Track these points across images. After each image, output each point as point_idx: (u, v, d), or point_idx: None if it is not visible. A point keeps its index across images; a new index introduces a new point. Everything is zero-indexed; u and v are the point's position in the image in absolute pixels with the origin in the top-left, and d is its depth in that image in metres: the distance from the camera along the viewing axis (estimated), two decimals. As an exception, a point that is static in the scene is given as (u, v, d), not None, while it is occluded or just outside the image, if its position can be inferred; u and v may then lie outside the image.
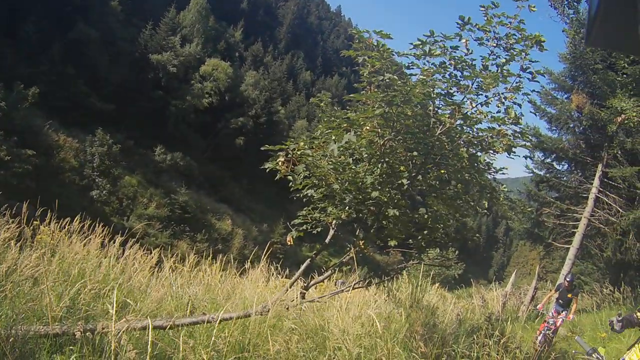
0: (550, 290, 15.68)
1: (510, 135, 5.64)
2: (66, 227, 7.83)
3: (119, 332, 4.27)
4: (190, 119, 71.95)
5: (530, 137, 5.74)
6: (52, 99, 53.90)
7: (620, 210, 19.80)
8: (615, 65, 19.05)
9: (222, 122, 76.09)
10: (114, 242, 8.15)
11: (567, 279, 13.44)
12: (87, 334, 4.43)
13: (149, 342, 4.05)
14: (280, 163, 6.00)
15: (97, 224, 8.33)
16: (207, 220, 61.61)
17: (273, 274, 9.53)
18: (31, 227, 7.51)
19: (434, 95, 5.40)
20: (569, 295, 13.31)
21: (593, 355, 5.50)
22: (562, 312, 13.40)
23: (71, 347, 4.35)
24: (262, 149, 6.19)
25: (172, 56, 70.59)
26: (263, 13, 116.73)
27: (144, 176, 60.32)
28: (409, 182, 5.82)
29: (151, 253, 8.84)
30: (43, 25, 58.56)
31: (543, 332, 12.87)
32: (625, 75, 18.65)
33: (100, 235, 8.09)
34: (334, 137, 5.64)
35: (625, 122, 18.25)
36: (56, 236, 7.49)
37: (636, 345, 5.65)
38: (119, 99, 62.07)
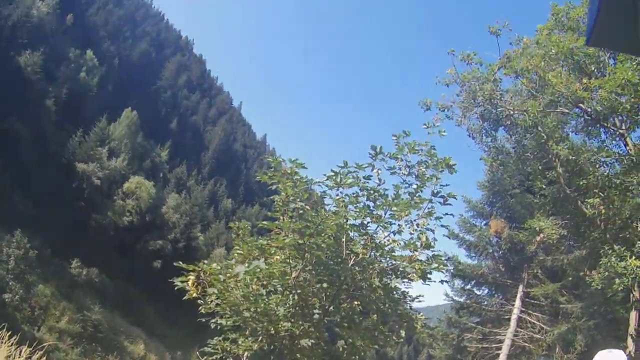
0: None
1: (423, 261, 5.67)
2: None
3: None
4: (109, 236, 70.20)
5: (443, 259, 5.77)
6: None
7: (544, 327, 20.06)
8: (533, 187, 19.94)
9: (140, 242, 74.51)
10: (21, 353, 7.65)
11: None
12: None
13: None
14: (190, 283, 5.77)
15: (6, 330, 7.81)
16: (120, 342, 58.68)
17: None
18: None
19: (347, 226, 5.41)
20: None
21: None
22: None
23: None
24: (174, 264, 6.01)
25: (98, 168, 69.74)
26: (191, 136, 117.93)
27: (58, 288, 57.65)
28: (320, 313, 5.71)
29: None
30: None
31: None
32: (542, 197, 19.50)
33: (9, 345, 7.57)
34: (240, 260, 5.55)
35: (545, 240, 18.86)
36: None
37: None
38: (42, 202, 60.33)
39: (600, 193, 15.30)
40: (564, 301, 20.03)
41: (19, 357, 7.46)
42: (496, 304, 22.58)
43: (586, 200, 15.50)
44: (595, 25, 1.30)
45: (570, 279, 19.81)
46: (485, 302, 23.17)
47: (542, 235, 18.87)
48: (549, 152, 15.61)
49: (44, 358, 8.19)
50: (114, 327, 60.08)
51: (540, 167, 17.51)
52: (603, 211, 15.54)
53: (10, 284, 49.10)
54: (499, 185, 21.23)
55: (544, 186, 19.07)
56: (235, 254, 5.92)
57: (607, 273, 14.57)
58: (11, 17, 66.93)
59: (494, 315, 22.29)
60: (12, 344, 7.70)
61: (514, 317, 20.87)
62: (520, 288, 20.98)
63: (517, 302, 20.91)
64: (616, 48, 1.92)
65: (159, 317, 72.67)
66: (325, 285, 5.59)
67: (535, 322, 20.52)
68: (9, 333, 7.88)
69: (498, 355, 21.02)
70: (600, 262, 14.79)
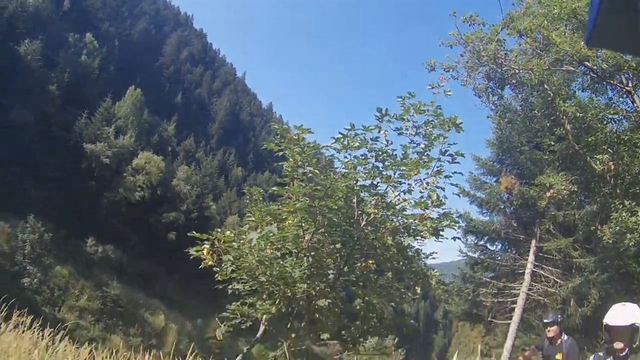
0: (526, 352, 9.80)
1: (435, 219, 5.71)
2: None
3: None
4: (122, 212, 70.46)
5: (454, 216, 5.81)
6: (-16, 182, 52.37)
7: (558, 281, 20.16)
8: (542, 144, 19.84)
9: (153, 216, 74.77)
10: (43, 335, 7.76)
11: (559, 319, 8.27)
12: None
13: None
14: (205, 252, 5.84)
15: (28, 314, 7.93)
16: (140, 314, 59.30)
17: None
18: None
19: (357, 188, 5.45)
20: (559, 357, 8.24)
21: None
22: None
23: None
24: (188, 234, 6.06)
25: (106, 147, 69.73)
26: (196, 108, 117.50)
27: (76, 267, 58.15)
28: (335, 274, 5.79)
29: (83, 346, 8.42)
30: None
31: None
32: (551, 153, 19.42)
33: (31, 327, 7.69)
34: (253, 227, 5.62)
35: (555, 195, 18.89)
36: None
37: None
38: (53, 186, 60.66)
39: (609, 149, 15.25)
40: (576, 255, 20.08)
41: (42, 340, 7.57)
42: (510, 259, 22.63)
43: (595, 156, 15.47)
44: (595, 25, 1.30)
45: (582, 233, 19.89)
46: (499, 257, 23.23)
47: (552, 191, 18.85)
48: (556, 110, 15.49)
49: (67, 337, 8.33)
50: (134, 301, 60.59)
51: (548, 124, 17.45)
52: (612, 167, 15.51)
53: (28, 268, 49.57)
54: (507, 143, 21.14)
55: (552, 143, 18.99)
56: (248, 221, 5.97)
57: (618, 228, 14.58)
58: (7, 9, 66.42)
59: (508, 270, 22.37)
60: (34, 327, 7.83)
61: (527, 271, 20.96)
62: (533, 243, 21.02)
63: (531, 257, 20.97)
64: (616, 48, 1.92)
65: (177, 288, 73.28)
66: (338, 246, 5.65)
67: (549, 276, 20.60)
68: (31, 317, 8.02)
69: (514, 309, 21.18)
70: (611, 217, 14.81)
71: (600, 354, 5.55)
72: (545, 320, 8.40)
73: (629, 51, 1.51)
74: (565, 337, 8.30)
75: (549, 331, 8.24)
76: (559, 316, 8.28)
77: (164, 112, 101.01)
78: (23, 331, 7.52)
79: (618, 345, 5.10)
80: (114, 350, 8.85)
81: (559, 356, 8.12)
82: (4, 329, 7.26)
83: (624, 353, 5.11)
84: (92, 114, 72.56)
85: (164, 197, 76.74)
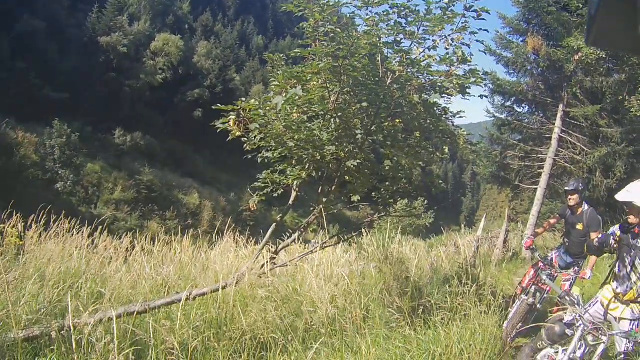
0: (552, 219, 9.74)
1: (461, 76, 5.61)
2: (33, 225, 7.60)
3: (91, 325, 4.20)
4: (146, 97, 70.70)
5: (480, 74, 5.67)
6: (5, 96, 52.39)
7: (585, 149, 20.05)
8: (570, 5, 19.11)
9: (178, 96, 74.97)
10: (82, 233, 8.00)
11: (580, 187, 8.25)
12: (62, 332, 4.36)
13: (129, 330, 3.94)
14: (232, 122, 5.84)
15: (64, 217, 8.15)
16: (174, 196, 60.91)
17: (244, 242, 9.42)
18: (-1, 232, 7.30)
19: (381, 45, 5.32)
20: (580, 227, 8.32)
21: (567, 297, 5.48)
22: (571, 265, 8.63)
23: (52, 348, 4.27)
24: (213, 107, 6.02)
25: (122, 36, 68.96)
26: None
27: (106, 161, 59.33)
28: (362, 134, 5.78)
29: (121, 238, 8.71)
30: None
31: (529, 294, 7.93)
32: (579, 16, 18.73)
33: (69, 228, 7.93)
34: (277, 92, 5.58)
35: (583, 59, 18.46)
36: (25, 236, 7.32)
37: (607, 282, 5.65)
38: (72, 87, 60.74)
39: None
40: (604, 125, 19.80)
41: (81, 239, 7.78)
42: (537, 122, 22.36)
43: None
44: (594, 24, 1.26)
45: (609, 102, 19.52)
46: (526, 120, 22.92)
47: (580, 54, 18.43)
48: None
49: (106, 231, 8.57)
50: (167, 184, 62.16)
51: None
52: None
53: (60, 172, 50.68)
54: (534, 2, 20.35)
55: (580, 5, 18.26)
56: (273, 86, 5.91)
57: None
58: None
59: (535, 134, 22.20)
60: (72, 226, 8.05)
61: (554, 136, 20.80)
62: (560, 107, 20.71)
63: (558, 122, 20.74)
64: (616, 48, 1.79)
65: (207, 165, 74.94)
66: (365, 104, 5.60)
67: (576, 143, 20.44)
68: (68, 218, 8.22)
69: (540, 174, 21.25)
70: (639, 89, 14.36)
71: (618, 226, 5.60)
72: (567, 188, 8.45)
73: (629, 51, 1.41)
74: (587, 207, 8.33)
75: (570, 199, 8.31)
76: (580, 185, 8.27)
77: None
78: (63, 235, 7.73)
79: (631, 219, 5.13)
80: (151, 237, 9.15)
81: (579, 226, 8.22)
82: (45, 236, 7.47)
83: (636, 228, 5.15)
84: (102, 7, 71.30)
85: (187, 76, 76.95)
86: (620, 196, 5.09)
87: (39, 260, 6.37)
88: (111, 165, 59.46)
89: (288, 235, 7.01)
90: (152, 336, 4.37)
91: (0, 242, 7.01)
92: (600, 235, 6.04)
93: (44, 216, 7.87)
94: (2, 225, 7.41)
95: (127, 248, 8.35)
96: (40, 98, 57.23)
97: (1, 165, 43.74)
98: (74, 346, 4.02)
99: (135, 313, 4.97)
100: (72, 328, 4.34)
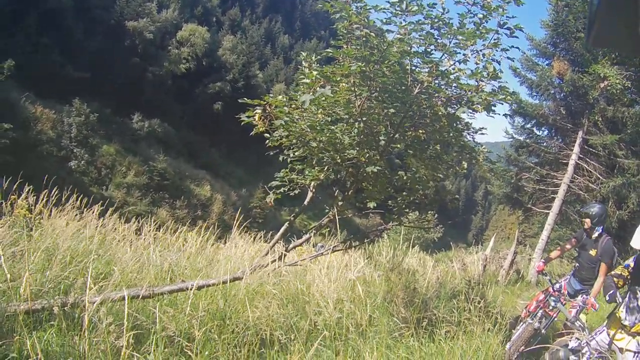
0: (567, 244, 9.32)
1: (489, 92, 5.58)
2: (44, 200, 7.66)
3: (95, 304, 4.20)
4: (167, 86, 71.05)
5: (509, 92, 5.66)
6: (28, 70, 52.56)
7: (600, 178, 19.98)
8: (599, 32, 19.07)
9: (199, 87, 75.30)
10: (93, 213, 8.05)
11: (592, 212, 8.31)
12: (65, 308, 4.37)
13: (126, 313, 3.93)
14: (257, 117, 5.84)
15: (75, 195, 8.19)
16: (186, 186, 61.00)
17: (253, 238, 9.45)
18: (9, 203, 7.34)
19: (412, 53, 5.30)
20: (592, 252, 8.34)
21: (576, 323, 5.46)
22: (579, 293, 8.52)
23: (51, 323, 4.29)
24: (239, 101, 6.03)
25: (149, 22, 69.31)
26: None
27: (122, 144, 59.50)
28: (386, 140, 5.76)
29: (130, 222, 8.75)
30: (15, -3, 57.11)
31: (537, 316, 7.90)
32: (607, 44, 18.67)
33: (79, 206, 7.96)
34: (305, 90, 5.57)
35: (608, 88, 18.39)
36: (35, 210, 7.35)
37: (615, 313, 5.63)
38: (95, 67, 61.05)
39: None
40: (621, 155, 19.75)
41: (91, 218, 7.83)
42: (555, 147, 22.34)
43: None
44: (594, 24, 1.26)
45: (629, 133, 19.42)
46: (545, 144, 22.90)
47: (606, 82, 18.36)
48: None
49: (116, 214, 8.61)
50: (180, 173, 62.26)
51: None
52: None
53: (75, 151, 50.99)
54: (562, 27, 20.33)
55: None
56: (300, 85, 5.91)
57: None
58: None
59: (552, 158, 22.15)
60: (82, 205, 8.10)
61: (571, 162, 20.77)
62: (580, 134, 20.68)
63: (576, 148, 20.70)
64: (616, 48, 1.81)
65: (222, 158, 75.20)
66: (392, 111, 5.58)
67: (592, 171, 20.42)
68: (79, 196, 8.26)
69: (553, 198, 21.19)
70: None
71: (632, 259, 5.59)
72: (584, 210, 8.44)
73: (629, 51, 1.40)
74: (604, 235, 8.28)
75: (584, 222, 8.28)
76: (598, 210, 8.26)
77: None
78: (73, 212, 7.77)
79: None
80: (160, 224, 9.19)
81: (592, 252, 8.18)
82: (54, 210, 7.51)
83: None
84: (132, -9, 71.68)
85: (210, 68, 77.25)
86: (636, 243, 5.08)
87: (48, 235, 6.39)
88: (126, 149, 59.66)
89: (297, 236, 7.00)
90: (157, 321, 4.35)
91: (9, 213, 7.05)
92: (612, 275, 6.05)
93: (56, 192, 7.90)
94: (12, 197, 7.46)
95: (135, 232, 8.38)
96: (61, 76, 57.52)
97: (17, 138, 43.95)
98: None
99: (140, 297, 4.99)
100: (75, 304, 4.37)
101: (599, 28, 1.26)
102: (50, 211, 7.52)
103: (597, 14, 1.23)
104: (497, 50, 5.52)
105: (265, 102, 5.86)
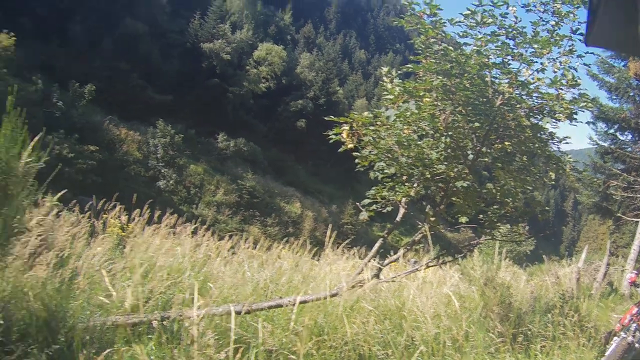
0: None
1: (569, 100, 5.54)
2: (136, 219, 7.98)
3: (198, 319, 4.38)
4: (249, 105, 72.48)
5: (589, 100, 5.57)
6: (108, 94, 54.88)
7: (690, 180, 18.98)
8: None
9: (281, 105, 76.38)
10: (186, 230, 8.30)
11: None
12: (164, 322, 4.60)
13: (232, 327, 4.05)
14: (345, 134, 5.96)
15: (166, 213, 8.49)
16: (276, 204, 61.64)
17: (347, 255, 9.51)
18: (101, 221, 7.72)
19: (490, 65, 5.35)
20: None
21: None
22: None
23: (150, 336, 4.50)
24: (325, 118, 6.18)
25: (224, 44, 71.06)
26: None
27: (209, 164, 60.94)
28: (474, 154, 5.79)
29: (223, 239, 8.96)
30: (90, 24, 59.82)
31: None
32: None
33: (172, 224, 8.24)
34: (388, 105, 5.67)
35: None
36: (127, 228, 7.70)
37: None
38: (174, 89, 63.10)
39: None
40: None
41: (185, 235, 8.09)
42: (640, 151, 21.37)
43: None
44: (593, 24, 1.29)
45: None
46: (629, 149, 21.90)
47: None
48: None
49: (209, 232, 8.86)
50: (269, 191, 62.92)
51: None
52: None
53: (163, 171, 52.75)
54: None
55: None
56: (384, 101, 6.02)
57: None
58: None
59: (638, 164, 21.17)
60: (175, 223, 8.39)
61: (658, 167, 19.82)
62: (664, 136, 19.76)
63: (662, 152, 19.77)
64: (615, 47, 1.82)
65: (309, 175, 75.66)
66: (477, 124, 5.61)
67: (681, 173, 19.43)
68: (172, 216, 8.57)
69: (643, 206, 20.23)
70: None
71: None
72: None
73: (628, 51, 1.45)
74: None
75: None
76: None
77: (276, 1, 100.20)
78: (167, 230, 8.06)
79: None
80: (253, 241, 9.41)
81: None
82: (147, 228, 7.82)
83: None
84: (204, 14, 73.67)
85: (290, 86, 78.44)
86: None
87: (143, 252, 6.68)
88: (213, 168, 61.06)
89: (389, 252, 7.03)
90: (259, 336, 4.51)
91: (103, 231, 7.44)
92: None
93: (148, 211, 8.25)
94: (105, 215, 7.86)
95: (229, 249, 8.61)
96: (142, 98, 59.64)
97: (104, 159, 45.72)
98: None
99: (243, 312, 5.17)
100: (177, 318, 4.60)
101: (599, 28, 1.31)
102: (144, 229, 7.82)
103: (597, 14, 1.29)
104: (572, 57, 5.48)
105: (351, 120, 5.98)
